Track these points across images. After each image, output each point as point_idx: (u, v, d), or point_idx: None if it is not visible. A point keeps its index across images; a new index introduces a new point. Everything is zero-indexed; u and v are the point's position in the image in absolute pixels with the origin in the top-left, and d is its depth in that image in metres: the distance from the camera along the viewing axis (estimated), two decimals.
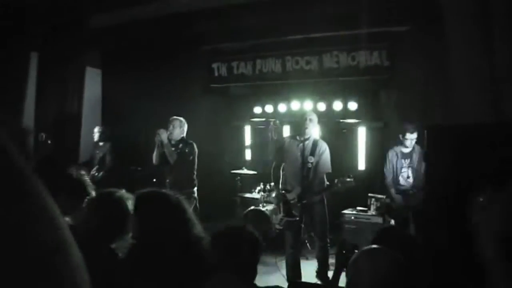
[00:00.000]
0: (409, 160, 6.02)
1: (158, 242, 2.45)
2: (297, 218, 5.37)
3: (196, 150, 5.89)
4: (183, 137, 5.95)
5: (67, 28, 7.55)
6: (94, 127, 8.36)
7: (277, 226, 6.43)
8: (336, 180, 5.28)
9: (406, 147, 6.00)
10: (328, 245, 5.53)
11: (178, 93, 8.26)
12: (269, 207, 7.17)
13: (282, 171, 5.69)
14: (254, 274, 2.43)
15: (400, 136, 5.99)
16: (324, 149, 5.42)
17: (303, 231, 5.70)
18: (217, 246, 2.40)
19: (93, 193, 2.95)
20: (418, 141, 5.90)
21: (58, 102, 8.15)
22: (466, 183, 3.22)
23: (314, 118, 5.46)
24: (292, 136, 5.67)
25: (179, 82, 8.29)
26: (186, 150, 5.80)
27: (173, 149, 5.80)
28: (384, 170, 6.22)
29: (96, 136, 7.63)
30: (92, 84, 8.90)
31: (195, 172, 5.89)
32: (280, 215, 5.62)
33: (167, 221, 2.50)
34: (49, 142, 6.88)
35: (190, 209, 2.66)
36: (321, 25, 6.91)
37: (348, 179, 5.17)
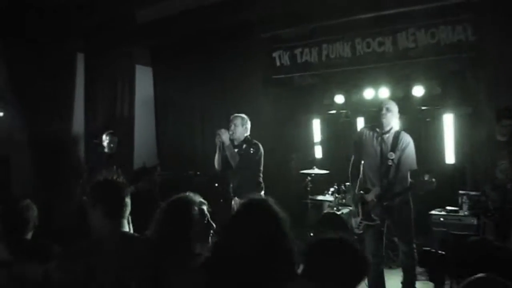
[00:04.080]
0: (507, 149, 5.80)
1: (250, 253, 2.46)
2: (378, 222, 5.35)
3: (262, 150, 5.89)
4: (247, 136, 5.94)
5: (112, 26, 7.81)
6: (148, 129, 8.64)
7: (356, 231, 6.41)
8: (411, 182, 5.19)
9: (503, 135, 5.79)
10: (415, 251, 5.44)
11: (237, 87, 8.41)
12: (345, 210, 7.16)
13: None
14: None
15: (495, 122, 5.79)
16: (407, 143, 5.30)
17: (386, 236, 5.64)
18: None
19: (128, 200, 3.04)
20: None
21: (108, 105, 8.52)
22: None
23: (393, 106, 5.38)
24: (371, 127, 5.57)
25: (237, 76, 8.46)
26: (251, 151, 5.80)
27: (236, 150, 5.82)
28: None
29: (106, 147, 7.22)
30: (143, 84, 9.22)
31: (261, 175, 5.92)
32: (359, 219, 5.58)
33: (266, 233, 2.52)
34: (105, 148, 7.14)
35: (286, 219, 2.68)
36: None
37: (427, 179, 5.01)
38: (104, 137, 7.19)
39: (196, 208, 2.83)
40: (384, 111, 5.30)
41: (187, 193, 2.92)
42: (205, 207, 2.89)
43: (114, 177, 2.99)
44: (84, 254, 2.78)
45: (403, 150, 5.27)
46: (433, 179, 4.99)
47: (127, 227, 2.98)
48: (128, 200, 2.99)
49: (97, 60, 8.32)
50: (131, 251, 2.76)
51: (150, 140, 9.46)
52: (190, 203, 2.85)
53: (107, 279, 2.68)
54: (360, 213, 5.53)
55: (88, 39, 8.03)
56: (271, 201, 2.67)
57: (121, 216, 2.93)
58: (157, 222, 2.83)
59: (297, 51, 8.04)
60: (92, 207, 2.91)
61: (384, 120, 5.30)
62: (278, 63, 8.22)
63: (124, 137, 7.89)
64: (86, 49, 8.19)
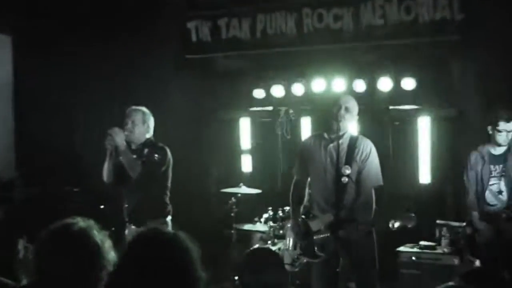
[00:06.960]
0: (502, 165, 5.94)
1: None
2: (323, 258, 5.33)
3: (170, 158, 5.81)
4: (149, 138, 5.85)
5: None
6: (3, 128, 8.34)
7: (289, 269, 6.35)
8: (390, 222, 5.19)
9: (499, 145, 5.90)
10: None
11: (136, 72, 8.26)
12: (282, 245, 7.12)
13: (309, 189, 5.62)
14: None
15: (489, 128, 5.88)
16: (368, 151, 5.32)
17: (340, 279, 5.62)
18: None
19: None
20: None
21: None
22: None
23: (353, 106, 5.37)
24: (317, 135, 5.60)
25: (136, 56, 8.31)
26: (155, 158, 5.68)
27: (134, 156, 5.66)
28: (465, 182, 6.14)
29: None
30: None
31: (168, 193, 5.83)
32: (296, 252, 5.57)
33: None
34: None
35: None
36: None
37: (407, 214, 5.12)
38: None
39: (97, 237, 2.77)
40: (342, 111, 5.25)
41: (74, 218, 2.81)
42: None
43: None
44: None
45: (364, 161, 5.31)
46: (413, 215, 5.09)
47: None
48: None
49: None
50: None
51: (5, 143, 9.12)
52: (86, 231, 2.77)
53: None
54: (299, 246, 5.51)
55: None
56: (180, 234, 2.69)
57: None
58: (43, 262, 2.71)
59: (222, 22, 8.06)
60: None
61: (340, 124, 5.22)
62: (194, 38, 8.21)
63: None
64: None
